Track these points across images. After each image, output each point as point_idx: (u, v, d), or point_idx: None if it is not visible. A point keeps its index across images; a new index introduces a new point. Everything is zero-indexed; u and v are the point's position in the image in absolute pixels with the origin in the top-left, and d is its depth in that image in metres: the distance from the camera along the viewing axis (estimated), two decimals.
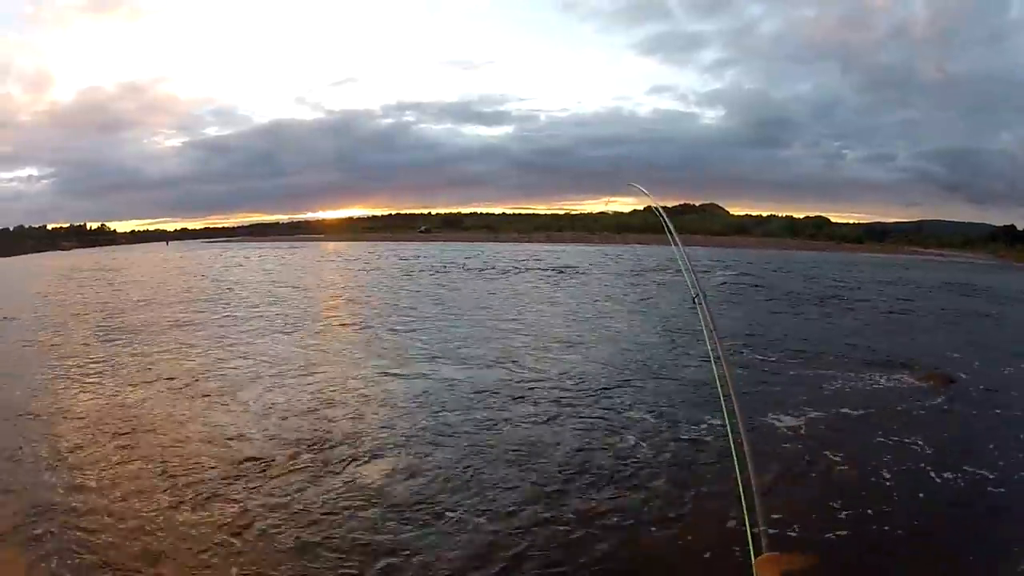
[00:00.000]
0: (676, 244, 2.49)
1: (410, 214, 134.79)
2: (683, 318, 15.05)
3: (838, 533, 4.60)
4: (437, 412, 7.38)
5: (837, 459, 5.98)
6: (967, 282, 28.57)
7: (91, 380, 8.54)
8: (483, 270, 30.76)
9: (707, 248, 67.41)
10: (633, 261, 38.31)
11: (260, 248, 57.19)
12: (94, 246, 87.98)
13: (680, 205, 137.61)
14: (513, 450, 6.32)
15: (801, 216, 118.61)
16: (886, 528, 4.64)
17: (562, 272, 30.51)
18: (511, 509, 5.06)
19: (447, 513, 4.98)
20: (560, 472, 5.96)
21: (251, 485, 5.34)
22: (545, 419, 7.28)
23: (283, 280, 23.63)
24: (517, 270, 30.78)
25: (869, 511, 4.85)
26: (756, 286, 22.97)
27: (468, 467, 5.89)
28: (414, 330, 12.48)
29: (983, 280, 30.70)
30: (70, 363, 9.51)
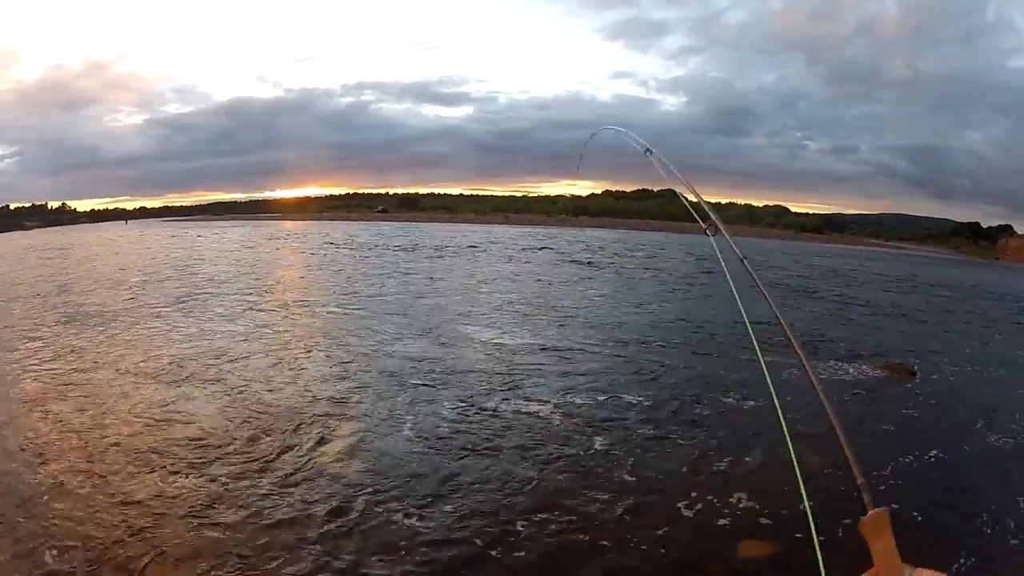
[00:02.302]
0: (718, 233, 1.97)
1: (368, 194, 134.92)
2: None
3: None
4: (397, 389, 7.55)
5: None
6: (928, 277, 28.75)
7: (43, 362, 8.49)
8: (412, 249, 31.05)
9: (664, 233, 68.27)
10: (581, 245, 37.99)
11: (218, 228, 56.92)
12: (56, 225, 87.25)
13: (639, 190, 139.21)
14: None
15: (760, 204, 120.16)
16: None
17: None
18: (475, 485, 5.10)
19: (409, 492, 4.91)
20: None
21: (201, 467, 5.18)
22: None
23: (241, 260, 23.77)
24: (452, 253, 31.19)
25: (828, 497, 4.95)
26: (709, 271, 22.50)
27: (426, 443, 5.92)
28: (365, 312, 12.56)
29: (944, 275, 31.03)
30: (23, 345, 9.49)
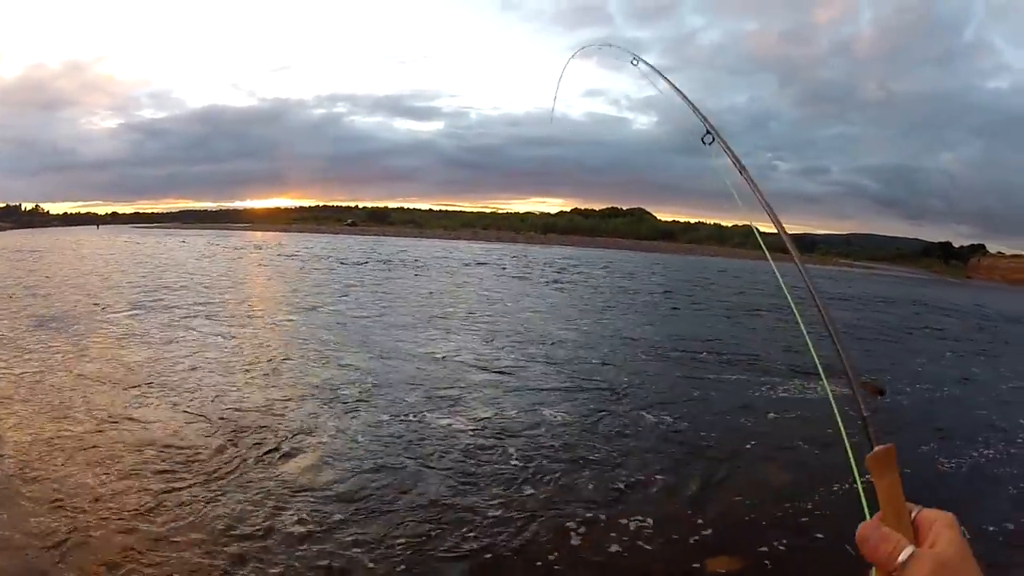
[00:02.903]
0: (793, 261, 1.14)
1: (337, 206, 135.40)
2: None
3: (772, 542, 4.46)
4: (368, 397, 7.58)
5: (764, 460, 6.15)
6: (899, 296, 29.11)
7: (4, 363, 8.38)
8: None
9: (635, 252, 69.48)
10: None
11: (186, 236, 56.55)
12: (29, 227, 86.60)
13: (607, 208, 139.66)
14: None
15: (729, 224, 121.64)
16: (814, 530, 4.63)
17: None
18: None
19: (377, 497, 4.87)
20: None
21: (174, 477, 5.05)
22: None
23: (209, 271, 23.70)
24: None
25: (794, 511, 4.94)
26: (689, 294, 23.24)
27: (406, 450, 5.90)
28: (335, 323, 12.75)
29: (915, 295, 31.36)
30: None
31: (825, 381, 0.70)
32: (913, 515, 0.63)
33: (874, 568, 0.62)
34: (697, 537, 4.50)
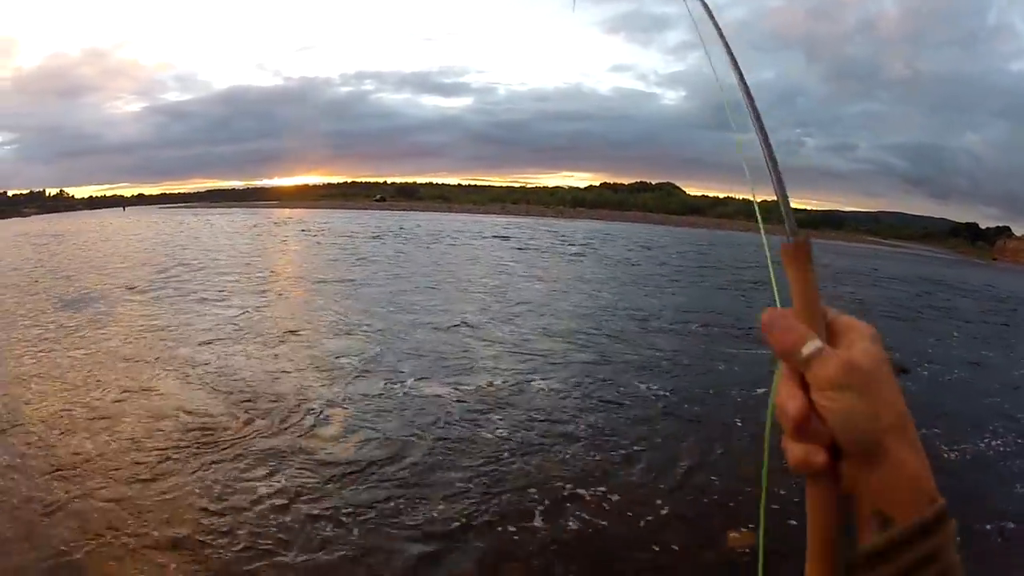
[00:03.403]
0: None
1: (366, 183, 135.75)
2: None
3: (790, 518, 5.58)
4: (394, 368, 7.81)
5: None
6: (927, 275, 28.45)
7: (40, 346, 8.58)
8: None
9: (663, 227, 68.38)
10: None
11: (212, 215, 56.91)
12: (54, 212, 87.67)
13: (636, 183, 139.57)
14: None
15: (758, 200, 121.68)
16: None
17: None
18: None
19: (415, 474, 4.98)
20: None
21: (201, 453, 5.19)
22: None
23: (228, 248, 23.80)
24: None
25: None
26: (716, 267, 23.42)
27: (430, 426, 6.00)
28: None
29: (943, 274, 30.71)
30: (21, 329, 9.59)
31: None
32: (829, 317, 0.57)
33: (779, 365, 0.55)
34: (717, 511, 4.54)
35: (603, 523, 4.34)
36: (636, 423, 6.29)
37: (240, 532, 4.04)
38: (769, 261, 0.59)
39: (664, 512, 4.55)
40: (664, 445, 5.77)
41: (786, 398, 0.53)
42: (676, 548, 4.07)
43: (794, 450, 0.54)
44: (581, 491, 4.80)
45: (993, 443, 6.38)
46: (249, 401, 6.46)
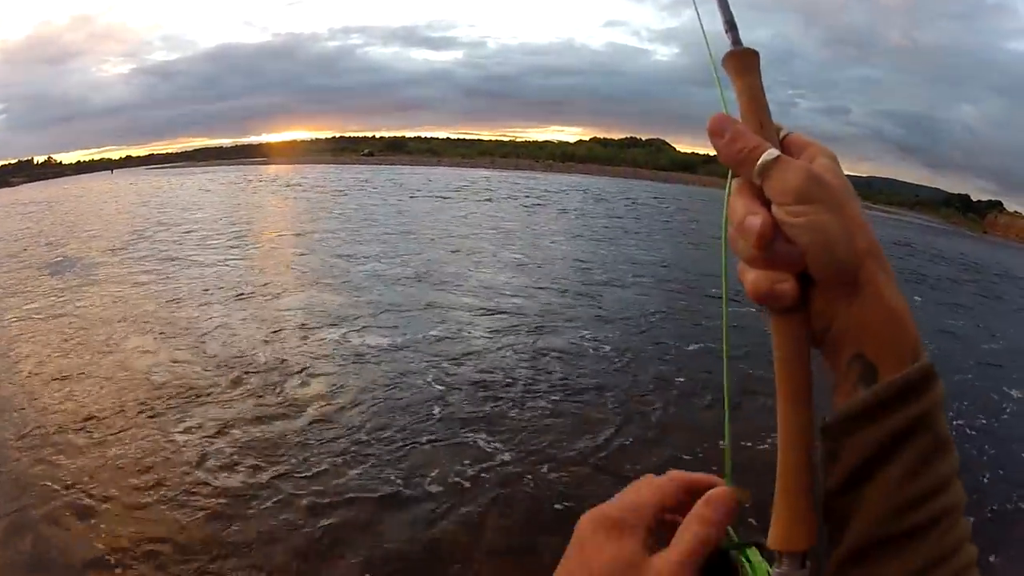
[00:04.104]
0: None
1: (355, 137, 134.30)
2: None
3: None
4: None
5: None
6: (921, 244, 28.01)
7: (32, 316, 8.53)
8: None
9: (653, 183, 68.01)
10: None
11: (199, 174, 56.54)
12: (42, 180, 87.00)
13: (627, 138, 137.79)
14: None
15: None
16: None
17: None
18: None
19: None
20: None
21: (193, 410, 5.32)
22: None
23: (206, 207, 23.74)
24: None
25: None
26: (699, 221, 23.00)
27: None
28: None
29: (937, 245, 30.22)
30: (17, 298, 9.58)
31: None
32: (782, 135, 0.49)
33: (728, 180, 0.48)
34: (709, 468, 4.36)
35: (579, 490, 4.39)
36: (653, 385, 6.26)
37: (203, 492, 4.18)
38: (713, 66, 0.50)
39: (638, 470, 4.39)
40: (637, 402, 5.81)
41: (744, 213, 0.46)
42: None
43: (757, 278, 0.46)
44: (555, 452, 4.85)
45: (958, 423, 6.08)
46: (211, 357, 6.62)
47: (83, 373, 6.30)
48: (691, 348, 7.47)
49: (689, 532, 0.47)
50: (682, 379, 6.51)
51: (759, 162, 0.45)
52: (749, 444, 4.64)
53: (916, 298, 12.60)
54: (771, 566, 0.47)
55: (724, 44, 0.49)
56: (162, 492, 4.18)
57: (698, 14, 0.54)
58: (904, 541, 0.44)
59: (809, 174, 0.44)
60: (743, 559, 0.50)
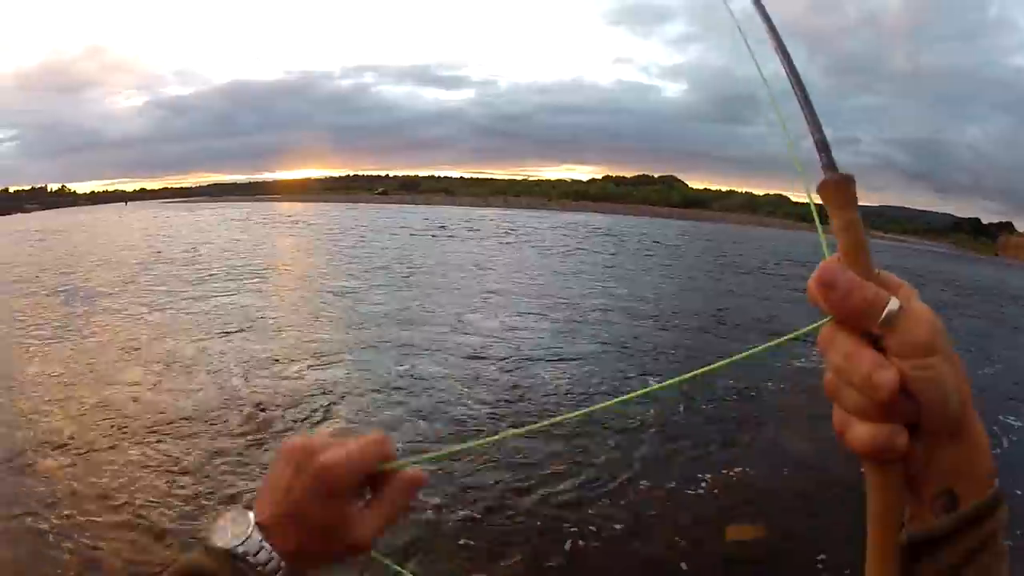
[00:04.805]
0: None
1: (368, 175, 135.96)
2: None
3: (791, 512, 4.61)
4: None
5: (785, 428, 6.09)
6: (935, 272, 28.21)
7: (43, 343, 8.64)
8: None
9: (668, 219, 67.98)
10: None
11: (212, 209, 57.15)
12: (55, 208, 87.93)
13: (639, 176, 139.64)
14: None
15: (761, 193, 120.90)
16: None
17: None
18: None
19: None
20: None
21: (199, 443, 5.36)
22: None
23: (214, 242, 23.82)
24: None
25: (814, 480, 4.95)
26: (731, 263, 23.05)
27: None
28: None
29: (950, 271, 30.56)
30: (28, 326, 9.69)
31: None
32: (877, 271, 0.46)
33: (829, 324, 0.45)
34: (716, 504, 4.56)
35: (600, 519, 4.34)
36: (656, 418, 6.23)
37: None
38: (813, 207, 0.46)
39: (663, 507, 4.54)
40: (658, 439, 5.75)
41: (873, 367, 0.42)
42: (676, 540, 4.07)
43: (876, 433, 0.43)
44: (573, 485, 4.82)
45: None
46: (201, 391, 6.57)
47: (71, 397, 6.45)
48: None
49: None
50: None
51: (885, 313, 0.43)
52: (763, 482, 4.97)
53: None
54: None
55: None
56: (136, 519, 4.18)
57: (783, 121, 0.51)
58: None
59: (935, 326, 0.43)
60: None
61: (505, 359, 8.05)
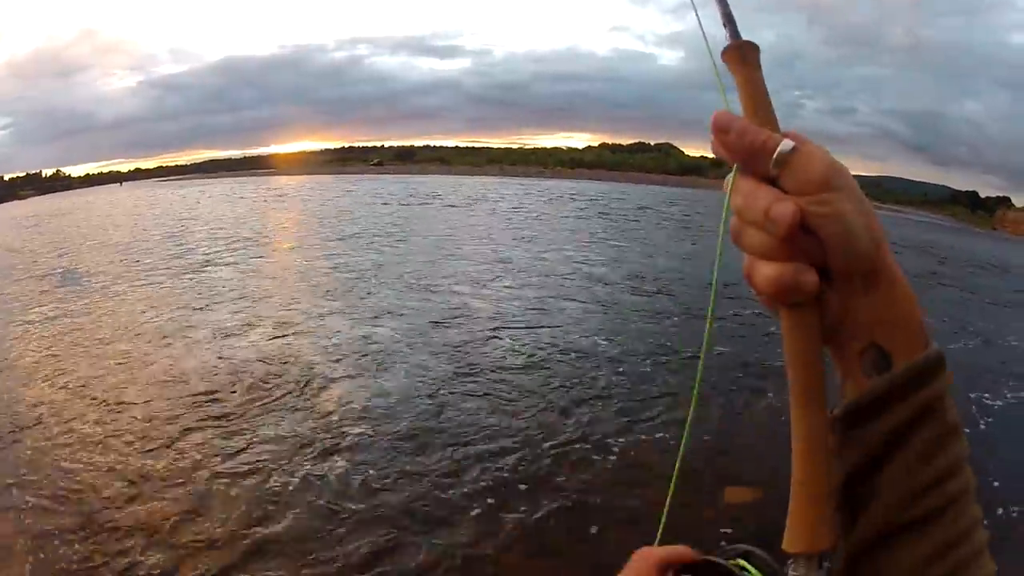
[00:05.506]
0: None
1: (364, 147, 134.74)
2: None
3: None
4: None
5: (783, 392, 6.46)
6: (934, 243, 27.71)
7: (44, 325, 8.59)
8: None
9: (663, 187, 66.86)
10: None
11: (214, 185, 56.83)
12: (51, 192, 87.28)
13: (635, 143, 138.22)
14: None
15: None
16: None
17: None
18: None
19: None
20: None
21: (213, 421, 5.29)
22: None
23: (236, 220, 23.60)
24: None
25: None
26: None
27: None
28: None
29: (949, 242, 30.29)
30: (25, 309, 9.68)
31: None
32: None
33: (731, 177, 0.45)
34: (715, 467, 4.59)
35: (598, 485, 4.43)
36: (656, 382, 6.31)
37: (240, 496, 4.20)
38: (716, 74, 0.47)
39: (661, 468, 4.61)
40: (655, 404, 5.79)
41: (770, 201, 0.42)
42: (674, 505, 4.05)
43: (781, 270, 0.43)
44: (574, 450, 4.89)
45: None
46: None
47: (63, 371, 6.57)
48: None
49: None
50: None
51: (777, 152, 0.43)
52: (761, 445, 5.03)
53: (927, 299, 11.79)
54: (784, 568, 0.46)
55: (724, 42, 0.47)
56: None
57: (697, 14, 0.53)
58: (918, 526, 0.44)
59: (832, 162, 0.43)
60: (739, 568, 0.54)
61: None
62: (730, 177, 0.45)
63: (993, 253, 27.51)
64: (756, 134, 0.43)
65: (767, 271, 0.43)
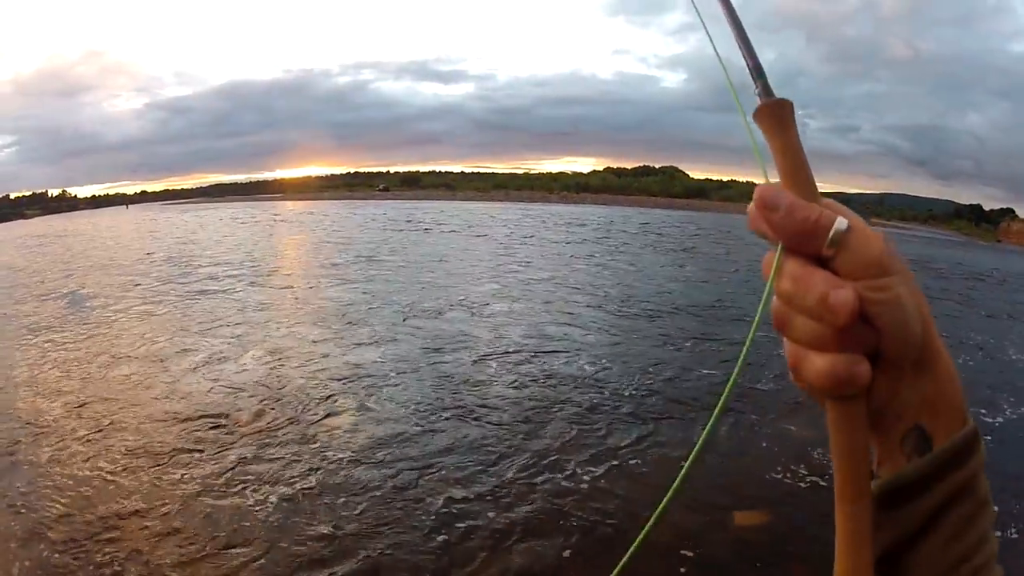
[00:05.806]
0: None
1: (369, 172, 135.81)
2: None
3: (798, 498, 4.58)
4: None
5: (790, 415, 6.03)
6: (937, 258, 27.81)
7: (47, 347, 8.53)
8: None
9: (668, 210, 67.71)
10: None
11: (218, 209, 57.07)
12: (56, 212, 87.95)
13: (640, 167, 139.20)
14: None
15: (763, 182, 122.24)
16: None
17: None
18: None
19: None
20: None
21: (215, 446, 5.27)
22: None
23: (244, 245, 23.51)
24: None
25: (820, 467, 4.92)
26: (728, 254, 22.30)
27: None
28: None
29: (952, 257, 30.23)
30: (26, 328, 9.68)
31: None
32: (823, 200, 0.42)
33: (776, 257, 0.41)
34: (724, 490, 4.54)
35: (608, 506, 4.37)
36: (662, 405, 6.29)
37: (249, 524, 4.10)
38: (750, 134, 0.42)
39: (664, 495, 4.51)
40: (663, 427, 5.77)
41: (827, 288, 0.39)
42: (685, 528, 4.03)
43: (830, 365, 0.40)
44: (581, 470, 4.87)
45: None
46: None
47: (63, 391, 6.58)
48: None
49: None
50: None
51: (833, 230, 0.39)
52: (769, 468, 4.98)
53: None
54: None
55: (743, 84, 0.44)
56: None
57: (722, 63, 0.47)
58: None
59: (888, 246, 0.40)
60: None
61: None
62: (773, 256, 0.41)
63: (994, 265, 27.43)
64: (807, 211, 0.40)
65: (820, 364, 0.40)
